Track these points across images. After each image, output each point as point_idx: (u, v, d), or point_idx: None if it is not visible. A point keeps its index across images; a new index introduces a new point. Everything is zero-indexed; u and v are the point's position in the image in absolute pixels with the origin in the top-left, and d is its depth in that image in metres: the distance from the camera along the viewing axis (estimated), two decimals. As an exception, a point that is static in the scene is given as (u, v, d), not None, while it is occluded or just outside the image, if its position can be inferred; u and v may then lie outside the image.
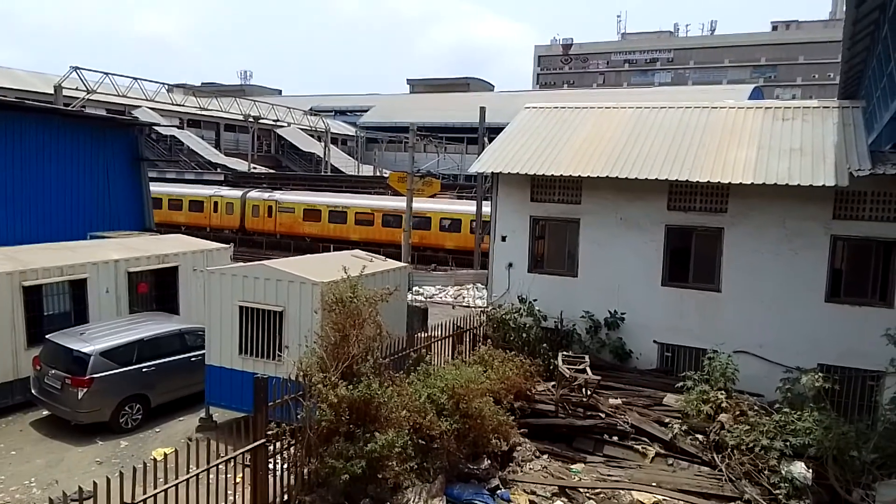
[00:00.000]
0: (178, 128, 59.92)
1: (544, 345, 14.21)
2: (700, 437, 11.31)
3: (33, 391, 13.14)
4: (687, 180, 13.71)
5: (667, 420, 11.86)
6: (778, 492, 10.00)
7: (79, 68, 38.58)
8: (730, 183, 13.37)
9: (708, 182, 13.56)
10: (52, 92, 36.89)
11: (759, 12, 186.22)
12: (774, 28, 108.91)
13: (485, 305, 17.15)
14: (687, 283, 14.54)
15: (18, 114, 20.09)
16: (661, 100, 19.42)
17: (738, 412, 11.49)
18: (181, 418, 13.43)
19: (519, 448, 11.23)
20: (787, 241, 13.57)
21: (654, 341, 14.78)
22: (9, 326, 13.52)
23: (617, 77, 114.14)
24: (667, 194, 14.52)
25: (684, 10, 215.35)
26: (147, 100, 46.03)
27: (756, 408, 11.73)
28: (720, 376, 12.04)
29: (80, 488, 7.56)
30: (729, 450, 10.80)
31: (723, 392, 11.77)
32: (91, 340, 12.89)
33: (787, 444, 10.43)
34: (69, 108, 27.84)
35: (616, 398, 12.66)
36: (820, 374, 11.38)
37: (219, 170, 54.66)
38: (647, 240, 14.75)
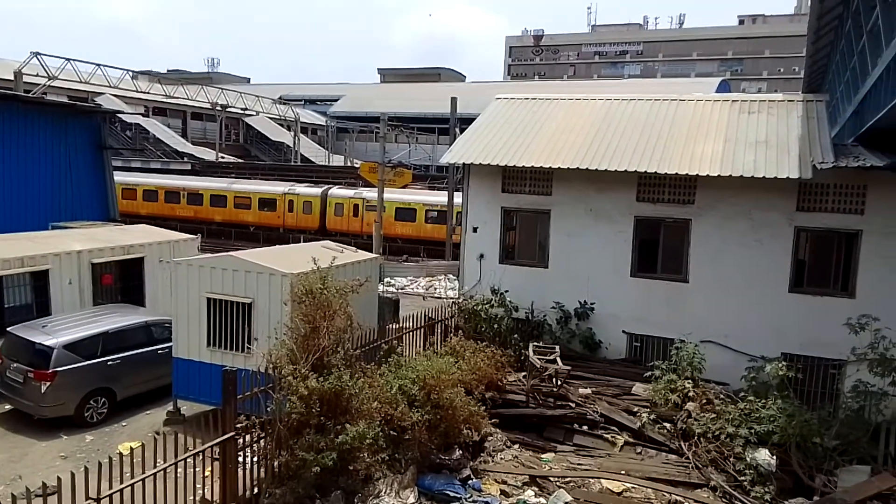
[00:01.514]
0: (144, 116, 58.67)
1: (515, 335, 14.29)
2: (668, 425, 11.49)
3: (-7, 386, 12.81)
4: (655, 172, 13.85)
5: (635, 409, 12.02)
6: (743, 478, 10.21)
7: (39, 54, 37.57)
8: (697, 175, 13.55)
9: (676, 174, 13.73)
10: (12, 78, 35.80)
11: (726, 6, 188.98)
12: (741, 22, 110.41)
13: (456, 296, 17.17)
14: (655, 273, 14.72)
15: (-25, 100, 19.47)
16: (631, 92, 19.59)
17: (704, 401, 11.70)
18: (148, 412, 13.23)
19: (490, 438, 11.28)
20: (753, 232, 13.81)
21: (624, 331, 14.95)
22: (-33, 319, 13.15)
23: (587, 69, 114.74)
24: (636, 186, 14.66)
25: (653, 3, 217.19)
26: (111, 87, 45.03)
27: (722, 396, 11.95)
28: (687, 366, 12.24)
29: (43, 484, 7.39)
30: (696, 438, 11.00)
31: (690, 381, 11.97)
32: (54, 333, 12.61)
33: (752, 431, 10.64)
34: (29, 95, 27.05)
35: (586, 388, 12.79)
36: (784, 363, 11.62)
37: (186, 159, 53.72)
38: (616, 231, 14.88)
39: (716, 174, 13.27)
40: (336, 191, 37.98)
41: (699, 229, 14.25)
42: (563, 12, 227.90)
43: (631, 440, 11.44)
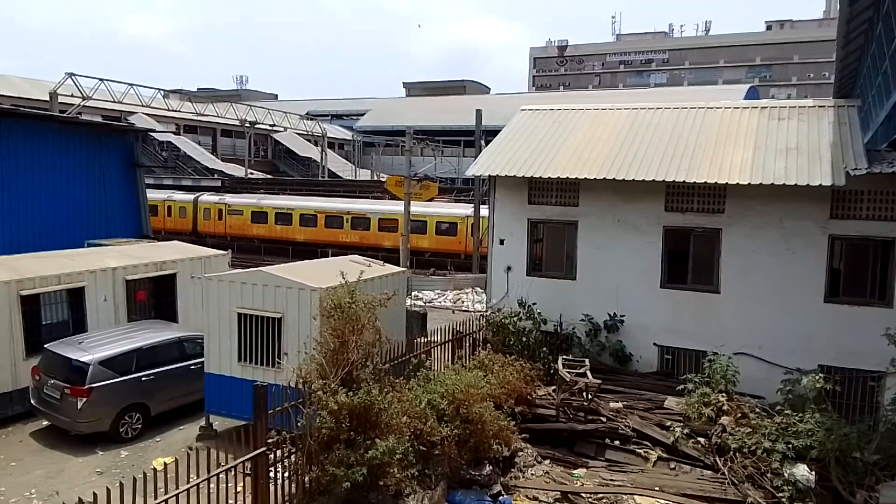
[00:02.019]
0: (175, 133, 59.85)
1: (544, 348, 14.18)
2: (702, 440, 11.28)
3: (32, 401, 13.09)
4: (684, 181, 13.71)
5: (668, 423, 11.83)
6: (781, 495, 9.98)
7: (74, 74, 38.51)
8: (727, 183, 13.37)
9: (705, 183, 13.57)
10: (48, 99, 36.81)
11: (753, 12, 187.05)
12: (769, 28, 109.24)
13: (484, 309, 17.12)
14: (686, 284, 14.52)
15: (14, 121, 20.05)
16: (657, 100, 19.43)
17: (739, 415, 11.47)
18: (181, 427, 13.38)
19: (520, 453, 11.20)
20: (785, 241, 13.57)
21: (654, 344, 14.76)
22: (7, 336, 13.47)
23: (612, 78, 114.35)
24: (664, 195, 14.52)
25: (679, 10, 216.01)
26: (143, 106, 46.02)
27: (757, 410, 11.72)
28: (721, 378, 12.01)
29: (79, 499, 7.51)
30: (731, 453, 10.78)
31: (724, 394, 11.75)
32: (90, 349, 12.85)
33: (790, 446, 10.41)
34: (65, 115, 27.79)
35: (617, 402, 12.63)
36: (820, 375, 11.36)
37: (216, 175, 54.61)
38: (645, 241, 14.74)
39: (745, 182, 13.08)
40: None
41: (730, 239, 14.04)
42: (587, 22, 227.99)
43: (664, 455, 11.26)
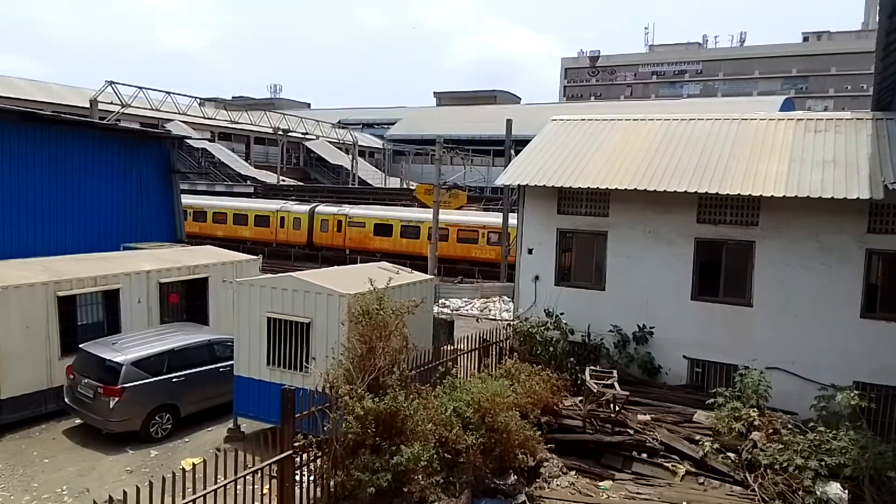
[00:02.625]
0: (210, 141, 60.95)
1: (571, 359, 14.09)
2: (732, 455, 11.07)
3: (66, 400, 13.38)
4: (717, 193, 13.54)
5: (697, 437, 11.64)
6: (813, 513, 9.75)
7: (114, 83, 39.54)
8: (761, 196, 13.18)
9: (738, 195, 13.39)
10: (88, 106, 37.82)
11: (789, 23, 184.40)
12: (805, 39, 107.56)
13: (511, 318, 17.07)
14: (717, 297, 14.32)
15: (55, 127, 20.59)
16: (690, 111, 19.25)
17: (771, 430, 11.24)
18: (210, 428, 13.55)
19: (546, 463, 11.11)
20: (821, 254, 13.31)
21: (684, 356, 14.56)
22: (44, 336, 13.80)
23: (645, 89, 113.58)
24: (696, 207, 14.36)
25: (713, 21, 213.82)
26: (179, 113, 46.98)
27: (790, 426, 11.47)
28: (752, 393, 11.79)
29: (110, 497, 7.65)
30: (762, 469, 10.56)
31: (755, 409, 11.52)
32: (123, 350, 13.10)
33: (823, 463, 10.17)
34: (104, 122, 28.50)
35: (645, 414, 12.48)
36: (855, 391, 11.10)
37: (248, 182, 55.44)
38: (676, 253, 14.58)
39: (780, 195, 12.88)
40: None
41: (763, 252, 13.81)
42: (620, 33, 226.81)
43: (693, 469, 11.07)
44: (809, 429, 11.14)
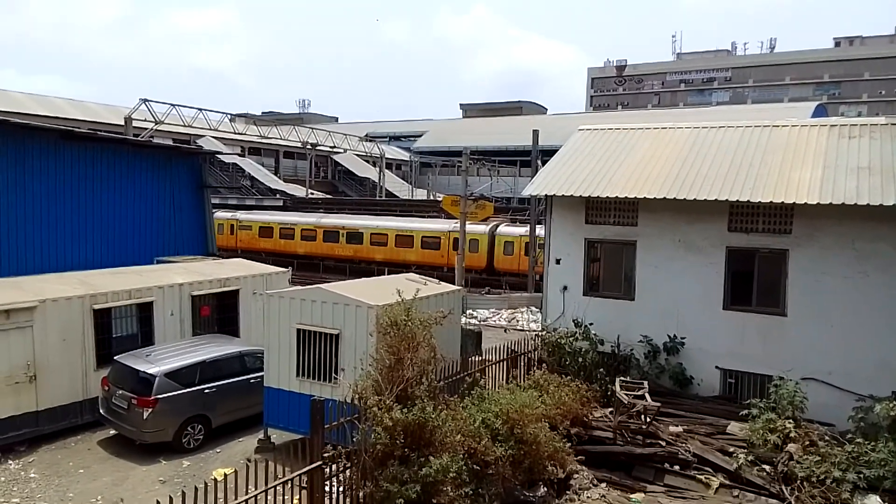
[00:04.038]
0: (240, 155, 61.88)
1: (601, 370, 13.95)
2: (767, 467, 10.84)
3: (101, 411, 13.64)
4: (748, 201, 13.35)
5: (731, 449, 11.42)
6: (852, 527, 9.48)
7: (147, 100, 40.43)
8: (794, 203, 12.95)
9: (771, 202, 13.17)
10: (123, 123, 38.73)
11: (820, 29, 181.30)
12: (837, 44, 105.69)
13: (539, 329, 16.98)
14: (750, 306, 14.07)
15: (91, 145, 21.15)
16: (720, 119, 19.02)
17: (807, 442, 10.98)
18: (241, 439, 13.68)
19: (576, 476, 10.99)
20: (857, 263, 13.02)
21: (717, 367, 14.32)
22: (80, 348, 14.10)
23: (672, 97, 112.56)
24: (727, 215, 14.16)
25: (742, 29, 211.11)
26: (211, 129, 47.85)
27: (827, 438, 11.20)
28: (787, 404, 11.55)
29: (144, 507, 7.77)
30: (798, 482, 10.31)
31: (790, 421, 11.28)
32: (156, 362, 13.32)
33: (861, 476, 9.90)
34: (138, 139, 29.15)
35: (677, 426, 12.29)
36: (895, 402, 10.79)
37: (278, 195, 56.13)
38: (707, 262, 14.38)
39: (814, 202, 12.65)
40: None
41: (797, 260, 13.56)
42: (646, 42, 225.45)
43: (727, 482, 10.86)
44: (847, 440, 10.85)
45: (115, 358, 13.78)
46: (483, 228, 35.22)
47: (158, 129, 41.05)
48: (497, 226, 35.99)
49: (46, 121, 39.60)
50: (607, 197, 14.84)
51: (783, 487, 10.42)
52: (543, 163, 18.43)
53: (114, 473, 12.23)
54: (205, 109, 45.74)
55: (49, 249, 19.23)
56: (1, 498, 11.17)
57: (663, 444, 11.55)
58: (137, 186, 21.83)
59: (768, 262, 13.92)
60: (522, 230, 34.39)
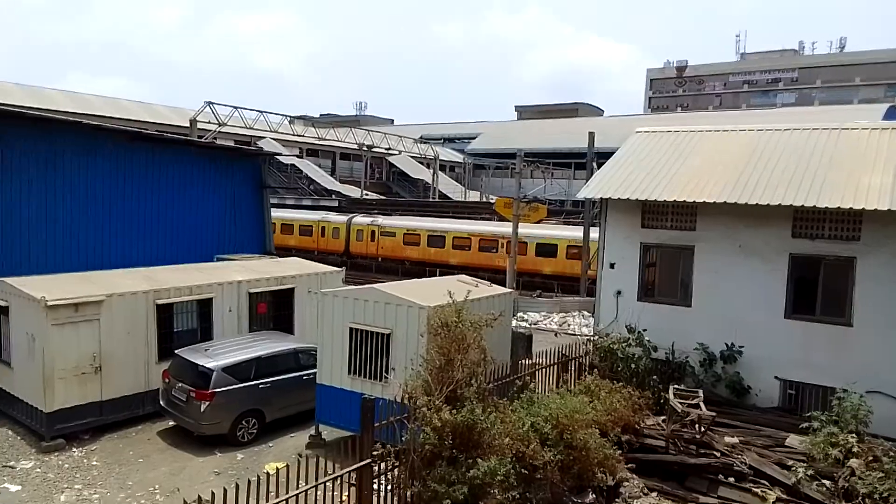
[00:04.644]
0: (298, 157, 63.27)
1: (654, 377, 13.67)
2: (827, 483, 10.42)
3: (161, 403, 14.10)
4: (814, 206, 12.87)
5: (789, 463, 11.03)
6: (920, 550, 9.02)
7: (211, 103, 41.75)
8: (863, 209, 12.42)
9: (838, 208, 12.67)
10: (188, 125, 40.07)
11: (892, 27, 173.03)
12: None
13: (591, 334, 16.76)
14: (814, 315, 13.57)
15: (158, 146, 21.96)
16: (785, 121, 18.39)
17: (870, 458, 10.50)
18: (292, 434, 13.95)
19: (626, 484, 10.80)
20: (931, 272, 12.39)
21: (776, 377, 13.85)
22: (143, 341, 14.63)
23: (735, 99, 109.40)
24: (791, 221, 13.69)
25: (810, 28, 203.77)
26: (271, 131, 48.99)
27: (891, 454, 10.66)
28: (851, 418, 11.08)
29: (199, 497, 7.99)
30: (860, 498, 9.86)
31: (853, 435, 10.81)
32: (214, 356, 13.71)
33: (929, 496, 9.41)
34: (202, 140, 30.12)
35: (732, 437, 11.94)
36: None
37: (334, 196, 57.10)
38: (768, 269, 13.93)
39: (885, 209, 12.10)
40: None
41: (865, 268, 13.00)
42: (709, 42, 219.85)
43: (784, 497, 10.48)
44: (916, 458, 10.33)
45: (175, 352, 14.23)
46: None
47: (221, 130, 42.32)
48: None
49: (116, 122, 41.37)
50: (665, 201, 14.54)
51: (845, 504, 10.00)
52: (599, 165, 18.18)
53: (171, 464, 12.64)
54: (265, 112, 46.95)
55: (117, 246, 20.03)
56: (64, 484, 11.67)
57: (718, 454, 11.24)
58: (200, 186, 22.53)
59: (834, 270, 13.39)
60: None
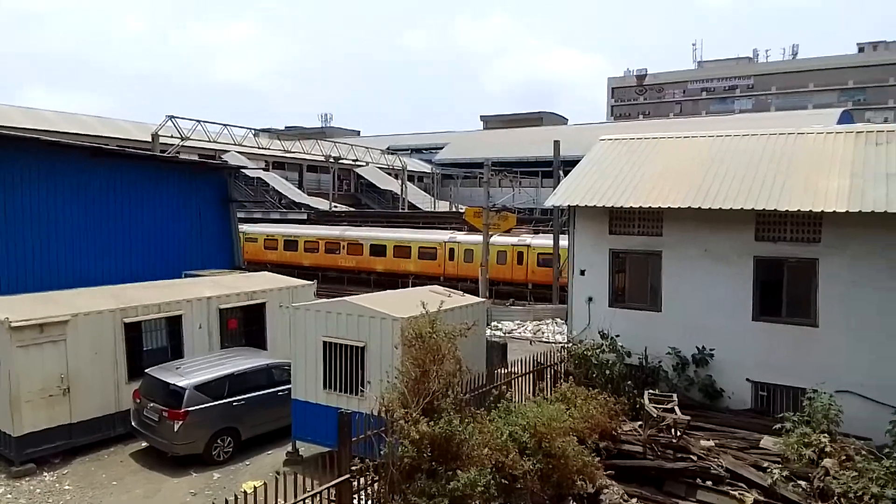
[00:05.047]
0: (264, 170, 62.58)
1: (629, 382, 13.80)
2: (803, 483, 10.61)
3: (133, 423, 13.81)
4: (775, 209, 13.19)
5: (765, 464, 11.21)
6: (892, 544, 9.25)
7: (174, 117, 41.14)
8: (822, 212, 12.77)
9: (798, 211, 13.00)
10: (150, 140, 39.39)
11: (843, 35, 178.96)
12: (861, 50, 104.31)
13: (565, 341, 16.87)
14: (780, 317, 13.85)
15: (120, 161, 21.58)
16: (743, 127, 18.84)
17: (843, 457, 10.74)
18: (269, 452, 13.76)
19: (606, 491, 10.85)
20: (889, 272, 12.76)
21: (748, 379, 14.10)
22: (112, 361, 14.31)
23: (694, 106, 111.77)
24: (754, 224, 13.99)
25: (763, 36, 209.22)
26: (235, 144, 48.45)
27: (864, 452, 10.93)
28: (822, 418, 11.30)
29: (176, 519, 7.84)
30: (835, 498, 10.07)
31: (826, 435, 11.04)
32: (186, 374, 13.47)
33: (900, 491, 9.65)
34: (165, 155, 29.64)
35: (708, 440, 12.10)
36: (934, 415, 10.54)
37: (302, 209, 56.62)
38: (734, 272, 14.20)
39: (843, 210, 12.45)
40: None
41: (827, 269, 13.34)
42: (667, 51, 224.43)
43: (761, 498, 10.63)
44: (885, 455, 10.60)
45: (145, 371, 13.96)
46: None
47: (184, 144, 41.71)
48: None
49: (76, 138, 40.44)
50: (631, 207, 14.75)
51: None
52: (566, 173, 18.38)
53: (146, 486, 12.37)
54: (229, 125, 46.46)
55: (81, 264, 19.59)
56: (36, 510, 11.34)
57: (695, 458, 11.38)
58: (165, 201, 22.19)
59: (797, 272, 13.71)
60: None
